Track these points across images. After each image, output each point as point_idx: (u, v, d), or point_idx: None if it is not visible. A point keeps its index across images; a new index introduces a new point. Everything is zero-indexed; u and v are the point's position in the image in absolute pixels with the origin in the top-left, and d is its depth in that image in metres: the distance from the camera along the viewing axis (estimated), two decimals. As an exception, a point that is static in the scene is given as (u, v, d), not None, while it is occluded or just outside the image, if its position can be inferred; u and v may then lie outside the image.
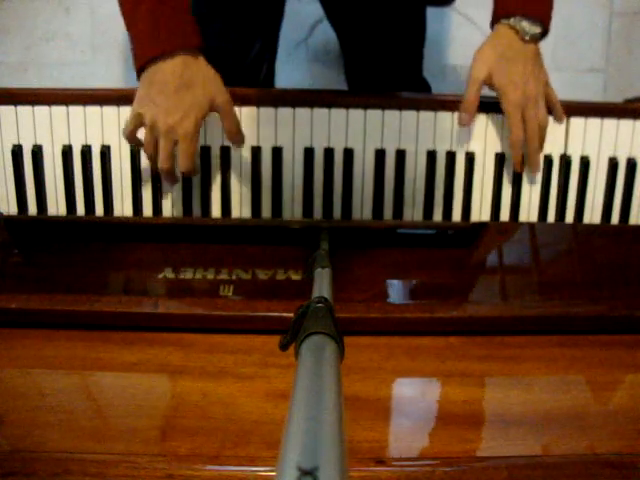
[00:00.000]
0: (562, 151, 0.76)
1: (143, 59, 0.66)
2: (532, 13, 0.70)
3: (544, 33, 0.72)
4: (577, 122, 0.76)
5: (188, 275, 0.64)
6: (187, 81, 0.65)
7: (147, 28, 0.65)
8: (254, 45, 0.89)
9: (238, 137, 0.71)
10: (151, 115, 0.65)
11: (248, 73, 0.91)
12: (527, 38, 0.70)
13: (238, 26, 0.85)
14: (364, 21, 0.90)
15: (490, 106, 0.74)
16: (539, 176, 0.76)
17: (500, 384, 0.54)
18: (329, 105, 0.73)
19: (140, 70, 0.67)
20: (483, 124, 0.75)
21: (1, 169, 0.74)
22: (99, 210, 0.74)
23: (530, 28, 0.70)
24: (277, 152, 0.73)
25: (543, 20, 0.71)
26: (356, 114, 0.74)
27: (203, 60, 0.68)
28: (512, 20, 0.70)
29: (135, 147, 0.73)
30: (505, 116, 0.72)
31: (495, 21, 0.72)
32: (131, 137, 0.69)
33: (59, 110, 0.73)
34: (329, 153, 0.73)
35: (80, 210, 0.74)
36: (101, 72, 1.36)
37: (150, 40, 0.65)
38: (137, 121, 0.67)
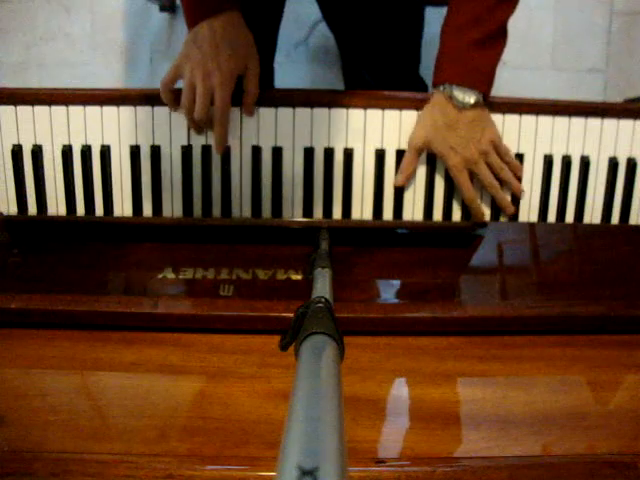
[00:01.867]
0: (563, 151, 0.76)
1: (192, 19, 0.71)
2: (465, 83, 0.71)
3: (485, 98, 0.72)
4: (577, 122, 0.76)
5: (188, 275, 0.64)
6: (225, 40, 0.69)
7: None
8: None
9: (252, 105, 0.73)
10: (190, 65, 0.69)
11: None
12: (460, 107, 0.71)
13: None
14: (361, 21, 0.90)
15: (490, 106, 0.74)
16: (539, 176, 0.76)
17: (500, 384, 0.54)
18: (329, 105, 0.73)
19: (191, 28, 0.71)
20: (483, 124, 0.75)
21: (1, 169, 0.74)
22: (99, 210, 0.74)
23: (463, 97, 0.71)
24: (277, 152, 0.73)
25: (478, 89, 0.71)
26: (356, 114, 0.74)
27: (243, 23, 0.72)
28: (445, 88, 0.71)
29: (135, 147, 0.73)
30: (455, 180, 0.74)
31: (433, 86, 0.74)
32: (168, 87, 0.71)
33: (59, 110, 0.73)
34: (329, 153, 0.73)
35: (80, 210, 0.74)
36: (101, 72, 1.36)
37: (194, 9, 0.71)
38: (176, 71, 0.71)
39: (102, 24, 1.35)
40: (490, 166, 0.73)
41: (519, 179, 0.75)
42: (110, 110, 0.73)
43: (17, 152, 0.73)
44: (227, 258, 0.67)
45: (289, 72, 1.35)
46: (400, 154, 0.74)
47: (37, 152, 0.73)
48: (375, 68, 0.95)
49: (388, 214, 0.75)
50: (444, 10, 0.74)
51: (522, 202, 0.76)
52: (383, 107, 0.74)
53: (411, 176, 0.74)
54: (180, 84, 0.71)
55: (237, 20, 0.71)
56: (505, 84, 1.35)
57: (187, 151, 0.73)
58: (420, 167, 0.75)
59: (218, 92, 0.69)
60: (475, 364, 0.57)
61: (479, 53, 0.71)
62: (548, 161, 0.75)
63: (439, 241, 0.73)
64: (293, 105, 0.73)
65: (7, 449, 0.45)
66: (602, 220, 0.77)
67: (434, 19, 1.30)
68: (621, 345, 0.60)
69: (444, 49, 0.73)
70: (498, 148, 0.73)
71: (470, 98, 0.71)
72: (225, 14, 0.70)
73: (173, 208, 0.74)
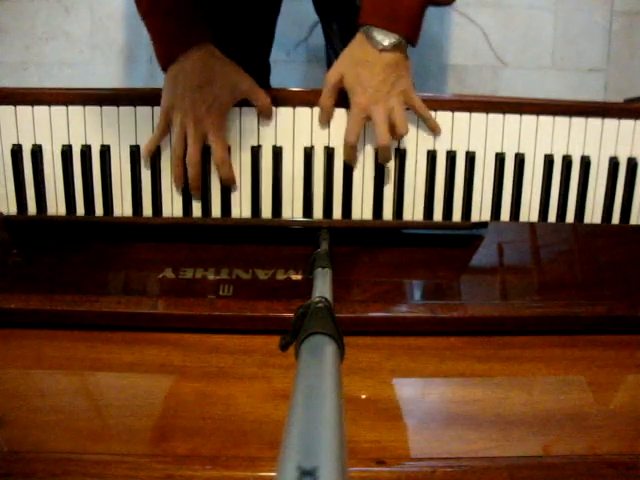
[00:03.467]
0: (563, 151, 0.76)
1: (164, 60, 0.71)
2: (385, 25, 0.69)
3: (409, 43, 0.71)
4: (578, 122, 0.75)
5: (188, 275, 0.64)
6: (208, 77, 0.69)
7: (162, 31, 0.70)
8: (250, 43, 0.89)
9: (269, 112, 0.73)
10: (179, 111, 0.70)
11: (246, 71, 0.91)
12: (380, 47, 0.70)
13: (233, 24, 0.85)
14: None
15: (490, 106, 0.74)
16: (540, 176, 0.76)
17: (501, 384, 0.54)
18: (329, 105, 0.73)
19: (165, 71, 0.72)
20: (483, 124, 0.75)
21: (1, 169, 0.74)
22: (99, 210, 0.74)
23: (382, 38, 0.69)
24: (277, 152, 0.73)
25: (396, 30, 0.69)
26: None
27: (219, 53, 0.71)
28: (365, 29, 0.70)
29: (135, 147, 0.73)
30: (348, 117, 0.72)
31: (357, 28, 0.73)
32: (164, 133, 0.72)
33: (59, 110, 0.73)
34: (329, 153, 0.73)
35: (80, 210, 0.74)
36: (101, 72, 1.36)
37: (168, 42, 0.70)
38: (167, 118, 0.71)
39: (102, 24, 1.35)
40: (391, 115, 0.71)
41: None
42: (110, 110, 0.73)
43: (17, 152, 0.73)
44: (227, 258, 0.67)
45: (289, 72, 1.35)
46: (401, 154, 0.74)
47: (37, 152, 0.73)
48: None
49: (388, 214, 0.75)
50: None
51: (523, 202, 0.76)
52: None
53: (331, 112, 0.73)
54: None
55: (212, 52, 0.71)
56: (505, 84, 1.35)
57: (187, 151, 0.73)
58: (420, 167, 0.75)
59: (212, 137, 0.70)
60: (475, 364, 0.57)
61: None
62: (549, 161, 0.75)
63: (439, 241, 0.72)
64: (293, 105, 0.73)
65: (7, 449, 0.44)
66: (602, 220, 0.77)
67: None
68: (621, 345, 0.60)
69: None
70: (410, 100, 0.72)
71: (390, 39, 0.69)
72: (200, 49, 0.70)
73: (173, 208, 0.74)
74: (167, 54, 0.70)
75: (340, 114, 0.73)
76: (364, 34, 0.70)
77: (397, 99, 0.71)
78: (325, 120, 0.73)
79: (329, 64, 1.01)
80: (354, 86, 0.71)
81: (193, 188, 0.73)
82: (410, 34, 0.70)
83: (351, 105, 0.71)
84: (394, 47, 0.70)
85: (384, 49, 0.70)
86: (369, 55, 0.70)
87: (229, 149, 0.73)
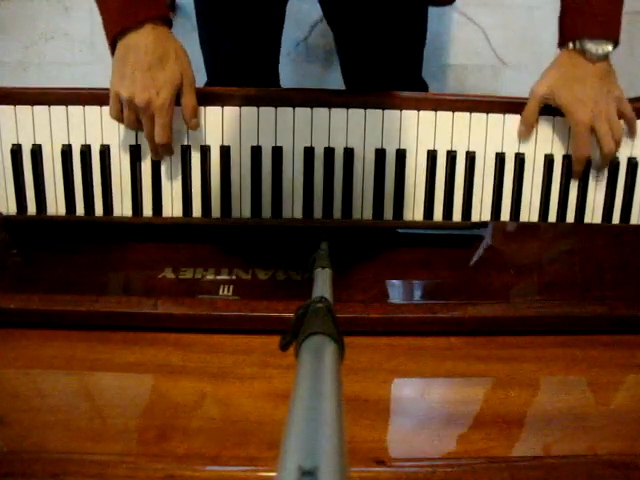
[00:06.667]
0: (563, 151, 0.76)
1: (113, 32, 0.67)
2: (597, 35, 0.70)
3: (615, 46, 0.71)
4: (577, 122, 0.75)
5: (188, 275, 0.64)
6: (159, 57, 0.67)
7: (115, 1, 0.66)
8: (257, 48, 0.89)
9: (194, 119, 0.71)
10: (128, 92, 0.67)
11: (254, 76, 0.91)
12: (594, 59, 0.70)
13: (240, 30, 0.85)
14: (365, 21, 0.90)
15: (490, 106, 0.74)
16: (540, 176, 0.76)
17: (501, 384, 0.54)
18: (329, 105, 0.73)
19: (112, 45, 0.68)
20: (483, 124, 0.75)
21: (0, 169, 0.74)
22: (99, 210, 0.74)
23: (597, 49, 0.70)
24: (277, 152, 0.73)
25: (610, 37, 0.70)
26: (356, 114, 0.73)
27: (172, 35, 0.69)
28: (577, 44, 0.70)
29: (135, 147, 0.73)
30: (572, 133, 0.73)
31: (560, 45, 0.72)
32: (118, 117, 0.70)
33: (58, 110, 0.73)
34: (329, 153, 0.73)
35: (80, 210, 0.74)
36: (101, 72, 1.36)
37: (118, 13, 0.66)
38: (117, 99, 0.69)
39: (102, 24, 1.35)
40: (610, 124, 0.72)
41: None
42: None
43: (16, 152, 0.73)
44: (227, 258, 0.67)
45: (289, 72, 1.35)
46: (400, 154, 0.74)
47: (36, 152, 0.73)
48: (377, 69, 0.95)
49: (388, 214, 0.75)
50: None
51: (523, 202, 0.76)
52: (383, 107, 0.73)
53: (534, 125, 0.74)
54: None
55: (167, 33, 0.69)
56: (505, 84, 1.35)
57: (186, 151, 0.73)
58: (420, 167, 0.75)
59: (158, 118, 0.68)
60: (475, 364, 0.57)
61: (605, 1, 0.69)
62: (549, 161, 0.75)
63: (439, 241, 0.72)
64: (293, 105, 0.73)
65: (7, 450, 0.44)
66: (603, 220, 0.77)
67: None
68: (621, 345, 0.60)
69: (567, 3, 0.71)
70: (622, 107, 0.73)
71: (606, 47, 0.70)
72: (156, 28, 0.67)
73: (173, 208, 0.74)
74: (118, 23, 0.66)
75: (337, 113, 0.73)
76: (572, 50, 0.70)
77: (613, 108, 0.72)
78: (524, 134, 0.74)
79: (342, 63, 1.01)
80: (572, 103, 0.71)
81: (166, 152, 0.71)
82: (618, 38, 0.70)
83: (573, 123, 0.72)
84: (607, 55, 0.70)
85: (599, 59, 0.70)
86: (581, 69, 0.70)
87: (229, 148, 0.72)
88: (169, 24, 0.69)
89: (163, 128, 0.68)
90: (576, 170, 0.74)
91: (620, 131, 0.73)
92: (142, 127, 0.69)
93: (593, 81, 0.70)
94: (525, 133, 0.74)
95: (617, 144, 0.73)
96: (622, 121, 0.74)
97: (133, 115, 0.68)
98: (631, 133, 0.75)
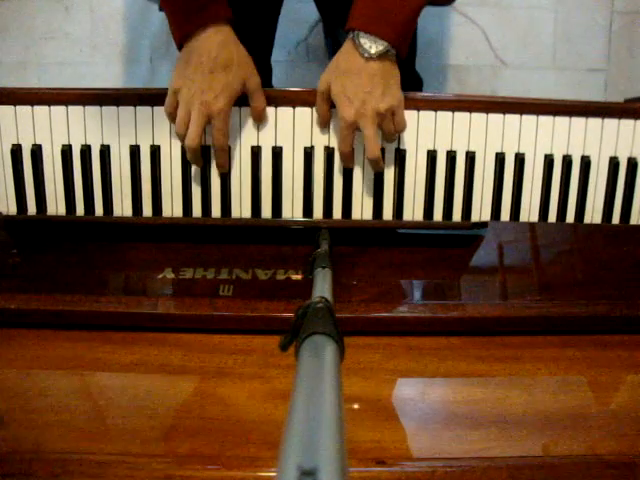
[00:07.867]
0: (563, 151, 0.76)
1: (178, 37, 0.68)
2: (373, 30, 0.66)
3: (398, 53, 0.68)
4: (578, 122, 0.75)
5: (188, 275, 0.64)
6: (222, 62, 0.68)
7: (178, 6, 0.67)
8: (251, 43, 0.89)
9: (263, 117, 0.72)
10: (187, 91, 0.68)
11: None
12: (366, 55, 0.66)
13: (236, 28, 0.86)
14: None
15: (490, 106, 0.74)
16: (540, 176, 0.76)
17: (500, 384, 0.54)
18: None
19: (180, 48, 0.70)
20: (483, 124, 0.75)
21: (1, 169, 0.74)
22: (99, 210, 0.74)
23: (370, 46, 0.66)
24: (277, 152, 0.73)
25: (385, 37, 0.66)
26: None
27: (236, 39, 0.70)
28: (352, 34, 0.67)
29: (135, 147, 0.73)
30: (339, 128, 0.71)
31: (345, 32, 0.70)
32: (172, 113, 0.71)
33: (58, 110, 0.73)
34: (329, 153, 0.73)
35: (80, 210, 0.74)
36: (101, 72, 1.36)
37: (182, 18, 0.68)
38: (175, 97, 0.70)
39: (102, 24, 1.35)
40: (382, 128, 0.70)
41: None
42: (110, 110, 0.73)
43: (16, 152, 0.73)
44: (227, 258, 0.67)
45: (289, 72, 1.35)
46: (401, 154, 0.74)
47: (36, 152, 0.73)
48: None
49: (388, 214, 0.75)
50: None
51: (523, 202, 0.76)
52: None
53: (326, 118, 0.72)
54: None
55: (232, 37, 0.69)
56: (505, 84, 1.35)
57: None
58: (420, 167, 0.75)
59: (216, 122, 0.69)
60: (475, 364, 0.57)
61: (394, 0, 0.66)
62: (549, 161, 0.75)
63: (439, 241, 0.72)
64: (293, 105, 0.73)
65: (7, 449, 0.44)
66: (603, 220, 0.77)
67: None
68: (621, 345, 0.60)
69: None
70: (396, 117, 0.70)
71: (376, 47, 0.66)
72: (219, 31, 0.68)
73: (173, 208, 0.74)
74: (182, 27, 0.67)
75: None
76: (351, 40, 0.68)
77: (385, 111, 0.68)
78: (323, 125, 0.73)
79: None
80: (340, 98, 0.68)
81: (221, 157, 0.72)
82: (398, 42, 0.67)
83: (339, 117, 0.70)
84: (381, 56, 0.67)
85: (370, 57, 0.67)
86: (354, 64, 0.67)
87: (229, 148, 0.73)
88: (232, 24, 0.70)
89: (219, 132, 0.69)
90: (344, 165, 0.73)
91: (391, 138, 0.71)
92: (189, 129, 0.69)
93: (365, 80, 0.67)
94: (321, 124, 0.72)
95: (395, 135, 0.71)
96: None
97: (187, 115, 0.69)
98: (385, 138, 0.72)
